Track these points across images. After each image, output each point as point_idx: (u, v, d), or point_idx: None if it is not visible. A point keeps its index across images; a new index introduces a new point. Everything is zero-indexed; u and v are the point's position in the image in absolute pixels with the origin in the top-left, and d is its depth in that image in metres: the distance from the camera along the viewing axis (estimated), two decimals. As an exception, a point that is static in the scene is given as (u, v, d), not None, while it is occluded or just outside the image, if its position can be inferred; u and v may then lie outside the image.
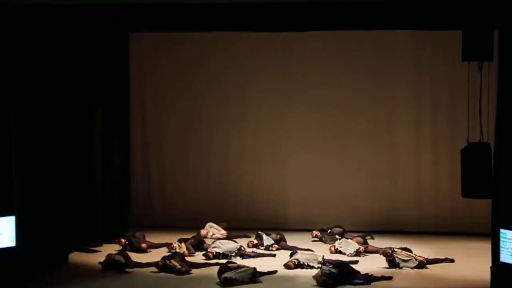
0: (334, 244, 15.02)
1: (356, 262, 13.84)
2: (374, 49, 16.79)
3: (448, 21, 12.42)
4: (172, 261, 13.44)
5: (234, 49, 17.26)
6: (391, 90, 17.02)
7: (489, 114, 12.38)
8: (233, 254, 14.30)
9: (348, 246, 14.75)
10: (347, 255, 14.49)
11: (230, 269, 12.77)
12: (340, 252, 14.70)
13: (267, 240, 15.25)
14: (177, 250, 14.51)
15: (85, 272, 13.48)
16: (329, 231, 16.04)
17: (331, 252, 14.70)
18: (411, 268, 13.51)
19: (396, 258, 13.60)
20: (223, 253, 14.26)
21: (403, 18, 12.53)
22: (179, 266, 13.29)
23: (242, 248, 14.55)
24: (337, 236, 15.70)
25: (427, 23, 12.76)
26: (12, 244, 12.17)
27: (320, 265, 13.39)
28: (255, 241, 15.26)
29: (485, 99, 12.47)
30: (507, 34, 11.47)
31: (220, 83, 17.52)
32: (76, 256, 14.43)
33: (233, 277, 12.49)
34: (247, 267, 12.93)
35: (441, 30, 14.16)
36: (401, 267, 13.53)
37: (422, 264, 13.59)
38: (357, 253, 14.54)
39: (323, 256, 13.78)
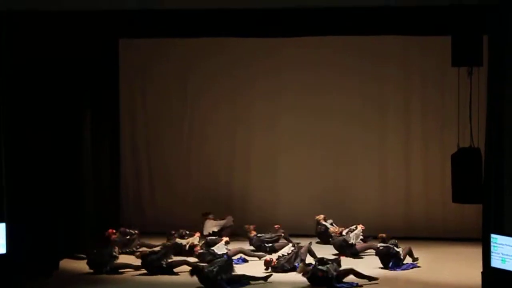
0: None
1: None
2: (365, 54, 16.79)
3: (438, 27, 12.47)
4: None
5: (225, 54, 17.23)
6: (382, 95, 17.04)
7: (479, 120, 12.41)
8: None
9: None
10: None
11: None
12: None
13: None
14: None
15: (76, 278, 13.47)
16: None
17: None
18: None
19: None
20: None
21: (394, 24, 12.57)
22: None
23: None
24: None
25: (417, 29, 12.82)
26: (3, 251, 12.13)
27: (293, 248, 14.05)
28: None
29: (475, 104, 12.48)
30: (496, 39, 11.52)
31: (210, 86, 17.50)
32: (67, 263, 14.38)
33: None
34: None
35: (430, 36, 14.22)
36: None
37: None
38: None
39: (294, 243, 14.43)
